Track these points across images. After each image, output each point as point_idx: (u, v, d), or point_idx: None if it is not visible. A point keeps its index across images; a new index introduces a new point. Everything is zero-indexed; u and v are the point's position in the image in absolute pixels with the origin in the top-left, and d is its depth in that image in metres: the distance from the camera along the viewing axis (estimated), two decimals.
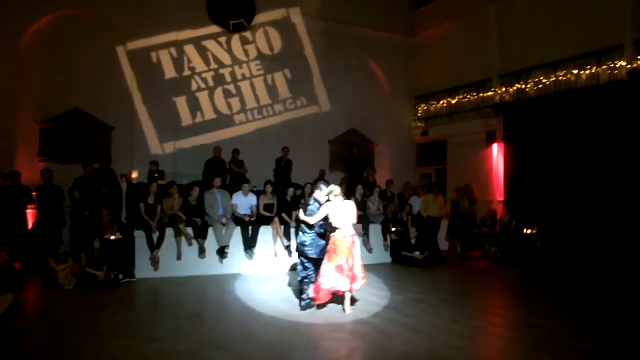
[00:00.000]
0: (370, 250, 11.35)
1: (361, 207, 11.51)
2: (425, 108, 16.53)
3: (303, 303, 6.96)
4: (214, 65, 14.03)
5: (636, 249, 9.51)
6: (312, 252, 6.98)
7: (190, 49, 13.73)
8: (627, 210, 10.05)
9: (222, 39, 14.18)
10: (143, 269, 9.20)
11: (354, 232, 6.91)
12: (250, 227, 10.10)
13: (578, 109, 11.55)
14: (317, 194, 7.20)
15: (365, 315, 6.75)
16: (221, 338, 5.67)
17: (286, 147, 13.14)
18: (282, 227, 10.43)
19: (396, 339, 5.73)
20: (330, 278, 6.62)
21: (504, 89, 13.67)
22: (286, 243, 10.38)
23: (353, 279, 6.69)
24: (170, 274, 9.27)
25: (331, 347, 5.48)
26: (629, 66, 10.67)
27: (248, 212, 10.34)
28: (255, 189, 11.37)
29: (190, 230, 9.63)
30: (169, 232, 9.47)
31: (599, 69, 11.33)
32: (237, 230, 10.00)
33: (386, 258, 11.61)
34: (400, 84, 16.78)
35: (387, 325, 6.32)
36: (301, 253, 7.11)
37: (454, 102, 15.34)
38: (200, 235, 9.64)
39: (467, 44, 14.97)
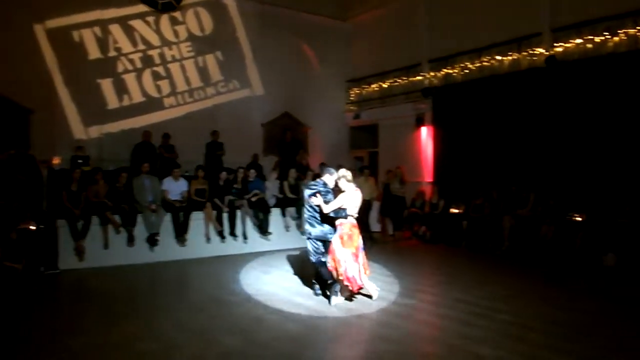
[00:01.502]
0: (303, 233, 11.42)
1: (294, 190, 11.59)
2: (358, 92, 16.69)
3: (335, 289, 6.58)
4: (141, 46, 13.48)
5: (552, 225, 10.09)
6: (331, 236, 6.69)
7: (115, 29, 13.12)
8: (545, 189, 10.61)
9: (150, 19, 13.64)
10: (67, 260, 8.79)
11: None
12: (182, 213, 9.93)
13: (501, 94, 12.02)
14: (327, 178, 6.85)
15: (297, 297, 6.82)
16: (152, 328, 5.56)
17: (216, 130, 12.94)
18: (214, 212, 10.32)
19: (330, 319, 5.83)
20: (351, 265, 6.45)
21: (432, 74, 14.00)
22: (218, 228, 10.30)
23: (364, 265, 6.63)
24: (97, 264, 8.94)
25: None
26: (546, 53, 11.19)
27: (179, 197, 10.15)
28: (186, 174, 11.15)
29: (117, 218, 9.33)
30: (95, 220, 9.13)
31: (519, 56, 11.81)
32: (168, 217, 9.81)
33: None
34: (333, 68, 16.81)
35: (319, 306, 6.41)
36: (323, 239, 6.76)
37: (385, 86, 15.56)
38: (129, 222, 9.36)
39: (398, 29, 15.19)
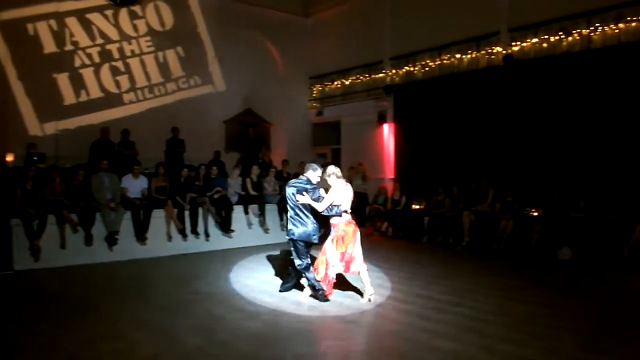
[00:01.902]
0: (266, 231, 11.43)
1: (257, 187, 11.55)
2: (320, 88, 16.72)
3: (320, 293, 6.43)
4: (99, 40, 13.16)
5: (511, 220, 10.36)
6: (315, 237, 6.57)
7: (72, 22, 12.77)
8: (504, 185, 10.87)
9: (109, 12, 13.33)
10: (22, 260, 8.55)
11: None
12: (142, 211, 9.77)
13: (460, 91, 12.25)
14: (310, 174, 6.58)
15: (260, 294, 6.82)
16: (113, 328, 5.46)
17: (176, 127, 12.76)
18: (176, 210, 10.21)
19: (289, 316, 5.84)
20: (336, 267, 6.40)
21: (394, 71, 14.16)
22: (180, 226, 10.18)
23: (350, 261, 6.45)
24: (54, 264, 8.71)
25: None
26: (504, 52, 11.46)
27: (139, 195, 9.99)
28: (146, 171, 10.98)
29: (74, 217, 9.11)
30: (51, 219, 8.89)
31: (478, 54, 12.07)
32: (128, 215, 9.65)
33: (282, 237, 11.68)
34: (295, 64, 16.80)
35: (280, 302, 6.43)
36: (306, 240, 6.58)
37: (347, 82, 15.63)
38: (87, 221, 9.16)
39: (360, 26, 15.26)
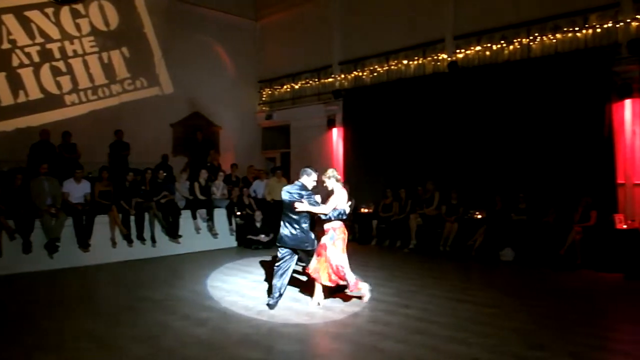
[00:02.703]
0: (215, 235, 11.28)
1: (205, 192, 11.39)
2: (270, 92, 16.69)
3: (272, 301, 6.31)
4: (39, 39, 12.67)
5: (455, 222, 10.64)
6: (308, 245, 6.43)
7: (9, 19, 12.23)
8: (449, 188, 11.14)
9: (49, 10, 12.85)
10: None
11: None
12: (84, 217, 9.45)
13: (407, 96, 12.49)
14: (305, 180, 6.48)
15: (207, 301, 6.72)
16: (52, 339, 5.24)
17: (119, 129, 12.42)
18: (121, 215, 9.92)
19: (237, 322, 5.79)
20: (349, 269, 6.39)
21: (343, 76, 14.29)
22: (125, 232, 9.91)
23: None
24: None
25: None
26: (449, 59, 11.78)
27: (81, 200, 9.66)
28: (89, 175, 10.64)
29: (12, 223, 8.69)
30: None
31: (424, 60, 12.38)
32: (69, 221, 9.30)
33: (232, 242, 11.63)
34: (245, 68, 16.70)
35: (228, 308, 6.36)
36: (298, 248, 6.44)
37: (297, 86, 15.68)
38: (25, 227, 8.75)
39: (310, 31, 15.34)
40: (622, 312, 6.32)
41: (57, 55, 12.89)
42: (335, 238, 6.42)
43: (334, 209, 6.39)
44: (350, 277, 6.38)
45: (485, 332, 5.35)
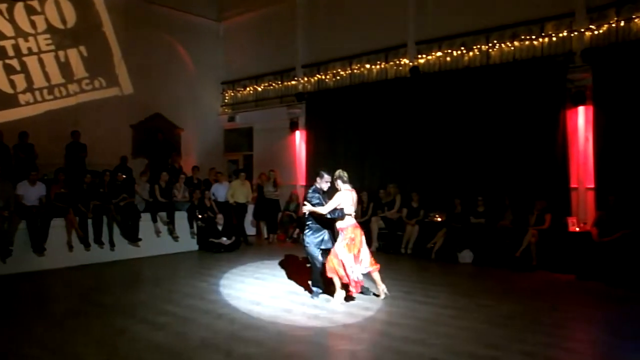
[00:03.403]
0: (176, 239, 11.12)
1: (165, 194, 11.22)
2: (233, 94, 16.60)
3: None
4: None
5: (416, 225, 10.80)
6: (326, 245, 6.91)
7: None
8: (410, 191, 11.30)
9: (2, 6, 12.40)
10: None
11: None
12: (39, 220, 9.17)
13: (369, 100, 12.61)
14: (318, 182, 6.99)
15: (166, 304, 6.63)
16: (3, 346, 5.09)
17: (76, 130, 12.14)
18: (77, 218, 9.67)
19: (197, 326, 5.73)
20: (354, 268, 6.56)
21: (306, 79, 14.33)
22: (82, 235, 9.66)
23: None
24: None
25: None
26: (411, 64, 11.96)
27: (36, 202, 9.37)
28: (45, 178, 10.35)
29: None
30: None
31: (386, 65, 12.54)
32: (23, 224, 9.00)
33: (193, 245, 11.48)
34: (207, 69, 16.55)
35: (187, 312, 6.28)
36: (321, 247, 6.91)
37: (260, 89, 15.64)
38: None
39: (273, 33, 15.33)
40: (573, 311, 6.53)
41: (10, 52, 12.50)
42: (342, 238, 6.64)
43: (335, 210, 6.65)
44: (351, 277, 6.56)
45: (443, 333, 5.45)
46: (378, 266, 6.95)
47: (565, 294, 7.46)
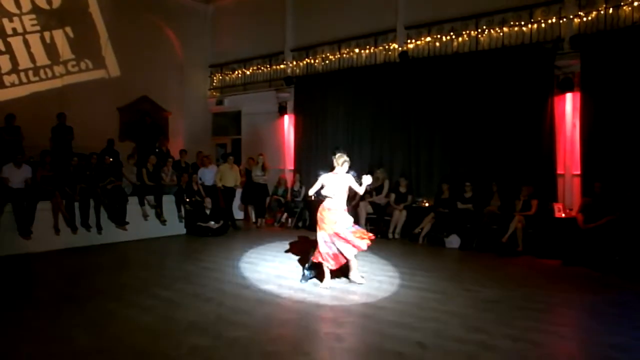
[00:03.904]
0: (163, 222, 11.09)
1: (153, 177, 11.17)
2: (221, 77, 16.47)
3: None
4: None
5: (404, 210, 10.86)
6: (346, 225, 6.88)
7: None
8: (398, 176, 11.35)
9: None
10: None
11: (344, 206, 6.89)
12: (25, 202, 9.09)
13: (358, 85, 12.60)
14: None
15: (154, 287, 6.63)
16: None
17: (62, 112, 12.02)
18: (64, 201, 9.60)
19: (185, 309, 5.74)
20: (325, 246, 6.73)
21: (294, 63, 14.25)
22: (68, 217, 9.60)
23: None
24: None
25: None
26: (400, 48, 11.93)
27: (22, 185, 9.28)
28: (31, 160, 10.24)
29: None
30: None
31: (376, 49, 12.51)
32: (9, 207, 8.92)
33: (181, 229, 11.46)
34: (195, 52, 16.39)
35: (176, 296, 6.28)
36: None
37: (248, 72, 15.53)
38: None
39: (262, 16, 15.21)
40: (558, 296, 6.61)
41: None
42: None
43: (319, 190, 6.93)
44: (323, 253, 6.74)
45: (429, 317, 5.50)
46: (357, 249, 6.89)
47: (551, 279, 7.55)
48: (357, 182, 6.92)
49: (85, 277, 7.38)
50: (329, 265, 6.75)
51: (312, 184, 7.25)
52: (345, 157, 6.95)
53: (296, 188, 12.92)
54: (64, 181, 9.80)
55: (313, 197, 7.05)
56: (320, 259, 6.78)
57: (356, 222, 10.99)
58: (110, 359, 4.32)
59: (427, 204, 10.95)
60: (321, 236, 6.79)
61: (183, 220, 11.48)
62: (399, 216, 10.94)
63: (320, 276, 6.92)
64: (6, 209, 8.88)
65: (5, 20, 12.43)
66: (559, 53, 9.75)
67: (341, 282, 7.03)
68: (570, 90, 9.71)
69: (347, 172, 6.99)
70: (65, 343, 4.69)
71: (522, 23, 10.31)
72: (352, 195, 7.78)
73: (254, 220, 13.12)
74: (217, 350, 4.54)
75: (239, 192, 13.01)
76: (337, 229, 6.70)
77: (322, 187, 6.90)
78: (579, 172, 9.60)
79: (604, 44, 9.28)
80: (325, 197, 6.85)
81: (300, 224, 12.46)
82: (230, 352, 4.50)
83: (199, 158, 13.20)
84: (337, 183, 6.86)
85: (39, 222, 9.23)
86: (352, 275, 7.02)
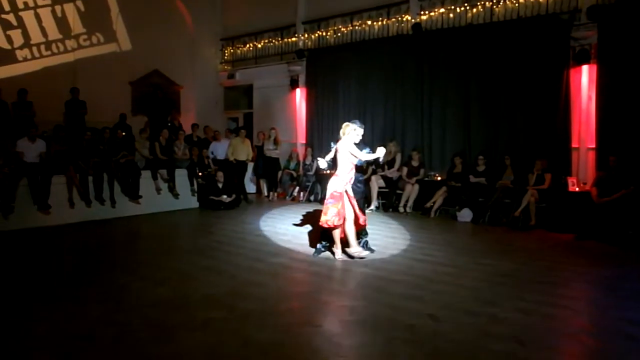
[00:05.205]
0: (176, 196, 11.18)
1: (165, 151, 11.21)
2: (232, 51, 16.34)
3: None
4: None
5: (416, 184, 10.83)
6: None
7: None
8: (411, 150, 11.30)
9: None
10: None
11: (344, 173, 6.79)
12: (40, 176, 9.19)
13: (371, 58, 12.44)
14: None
15: (169, 261, 6.71)
16: (5, 301, 5.18)
17: (75, 87, 12.05)
18: (78, 175, 9.69)
19: (199, 282, 5.80)
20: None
21: (306, 35, 14.09)
22: (82, 191, 9.70)
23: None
24: None
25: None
26: (413, 20, 11.73)
27: (36, 159, 9.38)
28: (44, 134, 10.31)
29: None
30: None
31: (388, 21, 12.30)
32: (24, 181, 9.02)
33: (193, 203, 11.55)
34: (206, 25, 16.24)
35: (189, 268, 6.35)
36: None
37: (259, 45, 15.39)
38: None
39: None
40: (571, 270, 6.59)
41: (6, 7, 12.25)
42: None
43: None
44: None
45: (440, 290, 5.52)
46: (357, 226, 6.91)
47: (564, 254, 7.52)
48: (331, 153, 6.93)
49: (99, 250, 7.50)
50: (334, 221, 6.61)
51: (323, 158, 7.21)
52: (352, 125, 6.68)
53: (308, 162, 12.91)
54: (78, 155, 9.87)
55: (325, 171, 7.08)
56: (326, 225, 6.67)
57: (369, 196, 11.20)
58: (124, 331, 4.39)
59: (439, 178, 10.91)
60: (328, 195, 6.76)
61: (196, 194, 11.56)
62: (411, 190, 10.92)
63: (332, 250, 6.95)
64: (21, 183, 8.99)
65: None
66: (575, 24, 9.54)
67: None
68: (587, 62, 9.52)
69: (333, 142, 6.98)
70: (81, 314, 4.78)
71: None
72: (363, 168, 7.82)
73: (266, 194, 13.17)
74: (230, 322, 4.60)
75: (250, 166, 13.04)
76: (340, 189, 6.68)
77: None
78: (593, 146, 9.47)
79: (622, 15, 9.05)
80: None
81: (312, 198, 12.48)
82: (243, 324, 4.55)
83: (208, 132, 13.18)
84: (338, 150, 6.77)
85: (54, 196, 9.35)
86: (350, 250, 6.84)
